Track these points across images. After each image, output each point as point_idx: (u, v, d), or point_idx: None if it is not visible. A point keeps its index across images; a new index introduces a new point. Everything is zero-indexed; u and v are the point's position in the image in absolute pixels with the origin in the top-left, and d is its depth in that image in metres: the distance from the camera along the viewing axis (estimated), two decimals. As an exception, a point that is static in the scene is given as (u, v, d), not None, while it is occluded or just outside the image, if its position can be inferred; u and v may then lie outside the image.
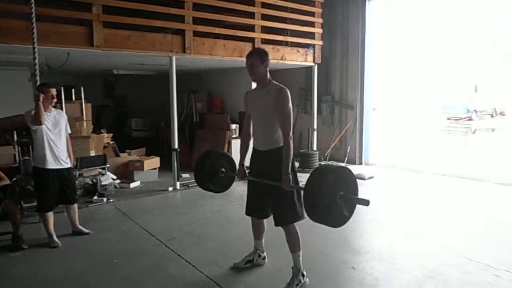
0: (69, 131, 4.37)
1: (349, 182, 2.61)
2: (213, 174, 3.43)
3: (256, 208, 3.26)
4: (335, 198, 2.49)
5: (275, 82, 3.07)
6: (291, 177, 2.90)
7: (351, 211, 2.61)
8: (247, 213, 3.34)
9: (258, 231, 3.42)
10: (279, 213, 3.07)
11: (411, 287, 3.14)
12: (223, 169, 3.45)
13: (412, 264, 3.57)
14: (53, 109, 4.20)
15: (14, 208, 4.05)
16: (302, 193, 2.57)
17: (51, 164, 4.05)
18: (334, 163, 8.64)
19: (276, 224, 3.10)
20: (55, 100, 4.13)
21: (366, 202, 2.49)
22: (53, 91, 4.08)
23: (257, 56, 3.02)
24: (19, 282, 3.33)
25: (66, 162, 4.20)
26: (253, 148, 3.23)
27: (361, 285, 3.19)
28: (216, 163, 3.46)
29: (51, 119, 4.10)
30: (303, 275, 3.10)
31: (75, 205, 4.42)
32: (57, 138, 4.10)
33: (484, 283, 3.19)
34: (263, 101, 3.02)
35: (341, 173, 2.60)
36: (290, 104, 2.98)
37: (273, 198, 3.06)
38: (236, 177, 3.45)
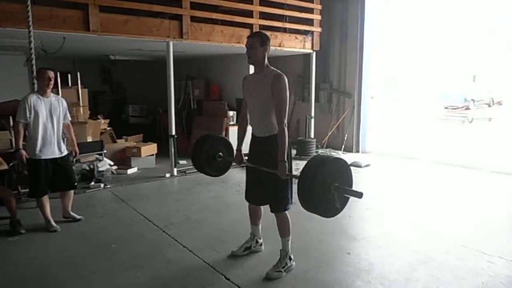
0: (69, 118, 4.33)
1: (344, 173, 2.62)
2: (211, 158, 3.44)
3: (252, 194, 3.29)
4: (329, 188, 2.50)
5: (272, 68, 3.04)
6: (287, 164, 2.90)
7: (343, 203, 2.63)
8: (246, 198, 3.37)
9: (255, 217, 3.44)
10: (274, 200, 3.10)
11: (404, 272, 3.18)
12: (221, 153, 3.46)
13: (406, 250, 3.62)
14: (52, 95, 4.15)
15: (7, 194, 4.04)
16: (296, 181, 2.58)
17: (43, 154, 4.00)
18: (332, 151, 8.67)
19: (272, 211, 3.14)
20: (52, 82, 4.04)
21: (359, 195, 2.51)
22: (50, 73, 4.01)
23: (258, 38, 2.97)
24: (18, 266, 3.35)
25: (60, 151, 4.14)
26: (252, 133, 3.23)
27: (356, 269, 3.23)
28: (213, 147, 3.46)
29: (48, 105, 4.03)
30: (290, 259, 3.16)
31: (71, 192, 4.40)
32: (50, 126, 4.03)
33: (477, 269, 3.24)
34: (260, 86, 3.00)
35: (336, 164, 2.61)
36: (287, 92, 2.96)
37: (268, 185, 3.08)
38: (233, 162, 3.45)
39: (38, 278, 3.15)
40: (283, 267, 3.11)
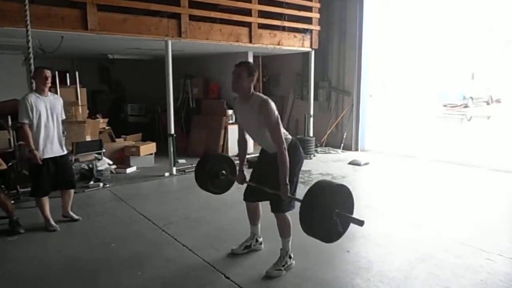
0: (63, 117, 4.31)
1: (346, 200, 2.62)
2: (214, 176, 3.46)
3: (252, 192, 3.28)
4: (331, 215, 2.50)
5: (256, 93, 3.04)
6: (289, 187, 2.91)
7: (345, 228, 2.63)
8: (244, 198, 3.38)
9: (254, 217, 3.45)
10: (276, 200, 3.07)
11: (404, 270, 3.19)
12: (224, 172, 3.48)
13: (405, 248, 3.62)
14: (49, 93, 4.14)
15: (3, 198, 4.00)
16: (299, 204, 2.59)
17: (46, 153, 4.00)
18: (331, 149, 8.67)
19: (272, 210, 3.14)
20: (49, 81, 4.03)
21: (360, 223, 2.53)
22: (47, 72, 3.99)
23: (246, 68, 2.99)
24: (18, 266, 3.35)
25: (61, 149, 4.16)
26: (262, 148, 3.28)
27: (355, 267, 3.24)
28: (216, 165, 3.50)
29: (47, 104, 4.03)
30: (290, 257, 3.17)
31: (71, 191, 4.41)
32: (51, 124, 4.05)
33: (476, 266, 3.24)
34: (250, 114, 3.02)
35: (339, 190, 2.62)
36: (276, 114, 2.94)
37: (272, 187, 3.06)
38: (235, 181, 3.46)
39: (37, 278, 3.14)
40: (283, 266, 3.11)
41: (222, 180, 3.50)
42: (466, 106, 16.61)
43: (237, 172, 3.45)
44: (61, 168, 4.17)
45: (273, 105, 2.95)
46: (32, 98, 3.94)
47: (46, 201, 4.15)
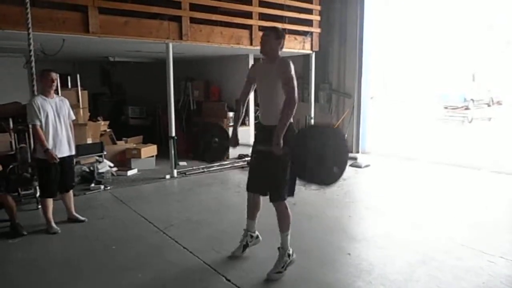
0: (73, 117, 4.37)
1: (336, 139, 2.62)
2: (206, 145, 3.46)
3: (252, 181, 3.28)
4: (326, 157, 2.49)
5: (283, 58, 3.08)
6: (281, 137, 2.87)
7: (341, 168, 2.63)
8: (247, 187, 3.36)
9: (253, 209, 3.41)
10: (274, 187, 3.07)
11: (405, 272, 3.19)
12: (216, 139, 3.47)
13: (406, 250, 3.62)
14: (55, 95, 4.19)
15: (10, 202, 4.00)
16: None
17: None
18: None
19: (271, 200, 3.12)
20: (55, 83, 4.10)
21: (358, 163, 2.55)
22: (53, 75, 4.07)
23: (274, 32, 3.10)
24: (20, 268, 3.36)
25: (68, 150, 4.20)
26: (258, 122, 3.28)
27: (356, 270, 3.23)
28: (208, 133, 3.48)
29: (54, 106, 4.09)
30: (289, 256, 3.15)
31: (71, 192, 4.43)
32: (59, 126, 4.10)
33: (477, 269, 3.24)
34: (271, 75, 3.04)
35: (326, 131, 2.62)
36: (293, 73, 2.97)
37: (269, 171, 3.05)
38: (229, 144, 3.45)
39: (39, 280, 3.15)
40: (283, 267, 3.10)
41: (216, 148, 3.53)
42: (467, 108, 16.61)
43: (230, 135, 3.44)
44: (66, 170, 4.20)
45: (292, 64, 3.01)
46: (39, 100, 4.00)
47: (50, 203, 4.17)
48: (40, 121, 3.96)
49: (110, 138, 7.45)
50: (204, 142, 3.46)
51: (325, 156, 2.52)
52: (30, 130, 4.83)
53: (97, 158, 6.30)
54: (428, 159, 7.77)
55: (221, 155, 3.59)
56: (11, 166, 4.98)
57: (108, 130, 7.58)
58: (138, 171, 6.88)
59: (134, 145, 7.49)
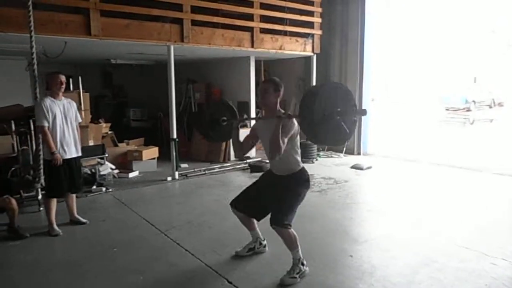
0: (80, 120, 4.40)
1: (345, 96, 2.60)
2: (215, 123, 3.42)
3: (249, 205, 3.28)
4: (332, 115, 2.47)
5: (283, 111, 3.06)
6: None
7: (351, 127, 2.61)
8: (237, 207, 3.32)
9: (248, 224, 3.43)
10: (276, 211, 3.03)
11: (407, 274, 3.18)
12: (224, 118, 3.44)
13: (408, 252, 3.61)
14: (63, 97, 4.21)
15: (13, 205, 3.98)
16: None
17: (61, 155, 4.07)
18: (333, 153, 8.67)
19: (272, 223, 3.00)
20: (63, 86, 4.14)
21: (363, 112, 2.51)
22: (62, 77, 4.11)
23: (272, 84, 3.05)
24: (22, 270, 3.36)
25: (75, 151, 4.23)
26: (269, 169, 3.28)
27: (358, 272, 3.23)
28: (217, 111, 3.45)
29: (61, 108, 4.12)
30: (303, 264, 3.13)
31: (74, 195, 4.44)
32: (66, 128, 4.13)
33: (480, 271, 3.23)
34: (271, 128, 2.92)
35: (333, 89, 2.60)
36: (295, 128, 2.93)
37: (276, 198, 3.06)
38: (236, 123, 3.36)
39: (41, 282, 3.15)
40: (297, 273, 3.07)
41: (223, 126, 3.45)
42: (468, 110, 16.59)
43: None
44: (73, 171, 4.23)
45: (296, 123, 2.96)
46: (48, 101, 4.03)
47: (54, 204, 4.19)
48: (48, 122, 4.00)
49: (111, 140, 7.46)
50: (212, 121, 3.40)
51: (334, 115, 2.48)
52: (33, 131, 4.84)
53: (99, 160, 6.31)
54: (430, 161, 7.76)
55: (229, 135, 3.48)
56: (13, 168, 4.99)
57: (109, 132, 7.59)
58: (140, 173, 6.89)
59: (136, 147, 7.50)
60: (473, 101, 16.99)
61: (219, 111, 3.47)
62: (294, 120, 2.95)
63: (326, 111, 2.49)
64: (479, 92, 17.48)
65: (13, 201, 3.97)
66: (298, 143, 3.13)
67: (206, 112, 3.43)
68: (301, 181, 3.10)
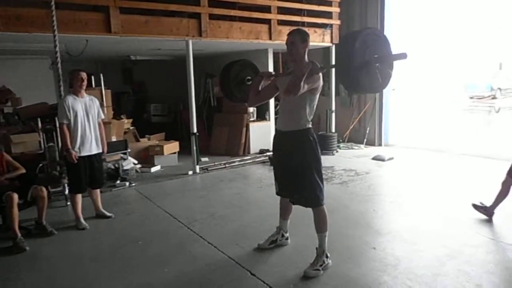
0: (102, 117, 4.49)
1: (380, 42, 2.51)
2: (239, 83, 3.40)
3: (285, 189, 3.25)
4: (368, 61, 2.39)
5: (312, 61, 2.98)
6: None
7: (385, 80, 2.52)
8: (277, 193, 3.35)
9: (285, 211, 3.46)
10: (309, 194, 3.06)
11: (432, 266, 3.13)
12: (249, 77, 3.42)
13: (433, 244, 3.55)
14: (85, 94, 4.32)
15: (44, 193, 4.06)
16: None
17: (82, 151, 4.19)
18: (353, 145, 8.58)
19: (309, 206, 3.10)
20: (85, 83, 4.24)
21: (403, 55, 2.42)
22: (83, 75, 4.20)
23: (298, 35, 2.95)
24: (50, 262, 3.48)
25: (96, 148, 4.32)
26: (276, 129, 3.24)
27: (382, 264, 3.20)
28: (241, 71, 3.43)
29: (83, 105, 4.22)
30: (327, 256, 3.13)
31: (98, 190, 4.55)
32: (87, 125, 4.23)
33: (507, 263, 3.16)
34: None
35: (370, 34, 2.50)
36: (319, 84, 2.93)
37: (301, 178, 3.04)
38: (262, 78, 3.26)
39: (69, 274, 3.25)
40: (321, 265, 3.07)
41: (247, 86, 3.42)
42: (494, 98, 16.07)
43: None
44: (95, 166, 4.34)
45: (321, 80, 2.96)
46: (70, 99, 4.15)
47: (79, 199, 4.31)
48: (69, 120, 4.10)
49: (133, 135, 7.59)
50: (235, 80, 3.38)
51: (373, 61, 2.39)
52: (58, 128, 4.97)
53: (122, 155, 6.44)
54: (454, 150, 7.57)
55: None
56: (40, 165, 5.15)
57: (131, 128, 7.72)
58: (161, 167, 7.00)
59: (157, 142, 7.61)
60: (499, 89, 16.44)
61: (243, 70, 3.43)
62: (321, 76, 2.92)
63: (366, 56, 2.39)
64: (505, 79, 16.89)
65: (44, 189, 4.06)
66: (315, 102, 3.05)
67: (230, 72, 3.38)
68: (308, 142, 3.00)
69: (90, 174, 4.30)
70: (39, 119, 5.57)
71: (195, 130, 6.58)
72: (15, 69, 7.78)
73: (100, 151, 4.40)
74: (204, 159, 7.30)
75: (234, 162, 7.22)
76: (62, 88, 4.67)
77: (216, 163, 7.05)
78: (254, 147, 8.10)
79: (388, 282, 2.92)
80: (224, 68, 3.48)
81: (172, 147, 7.38)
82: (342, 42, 2.46)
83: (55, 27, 4.56)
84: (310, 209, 3.14)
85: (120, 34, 5.45)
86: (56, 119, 5.23)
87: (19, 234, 3.74)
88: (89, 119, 4.24)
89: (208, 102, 9.32)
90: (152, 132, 8.15)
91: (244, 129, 8.08)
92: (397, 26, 8.33)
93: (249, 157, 7.60)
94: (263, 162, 7.29)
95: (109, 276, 3.19)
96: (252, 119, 8.19)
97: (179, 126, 9.77)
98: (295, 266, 3.17)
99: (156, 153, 7.14)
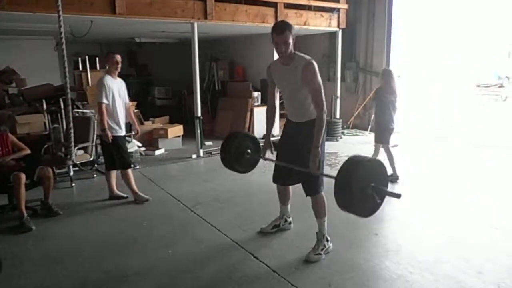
0: (127, 101, 4.51)
1: (380, 174, 2.56)
2: (239, 156, 3.48)
3: (282, 176, 3.27)
4: (366, 189, 2.45)
5: (298, 53, 2.92)
6: (320, 150, 2.86)
7: (382, 199, 2.57)
8: (274, 181, 3.37)
9: (284, 197, 3.47)
10: (310, 184, 3.07)
11: (433, 253, 3.15)
12: (249, 150, 3.49)
13: (436, 231, 3.57)
14: (118, 78, 4.35)
15: (49, 173, 4.09)
16: (333, 182, 2.53)
17: (116, 132, 4.26)
18: (358, 131, 8.55)
19: (307, 194, 3.11)
20: (119, 65, 4.28)
21: (397, 196, 2.46)
22: (118, 57, 4.25)
23: (289, 32, 2.78)
24: (57, 242, 3.53)
25: (123, 129, 4.39)
26: (287, 118, 3.22)
27: (384, 250, 3.23)
28: (241, 144, 3.50)
29: (117, 86, 4.28)
30: (327, 240, 3.16)
31: (129, 170, 4.58)
32: (119, 106, 4.30)
33: (509, 251, 3.17)
34: (292, 77, 2.91)
35: (372, 165, 2.56)
36: (319, 77, 2.88)
37: (302, 171, 3.02)
38: (262, 153, 3.38)
39: (75, 254, 3.30)
40: (322, 250, 3.10)
41: (247, 159, 3.50)
42: (501, 86, 15.89)
43: (262, 147, 3.38)
44: (121, 148, 4.38)
45: (316, 67, 2.87)
46: (108, 80, 4.21)
47: (113, 176, 4.49)
48: (108, 100, 4.17)
49: (137, 118, 7.58)
50: (236, 153, 3.48)
51: (369, 189, 2.47)
52: (63, 109, 4.99)
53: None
54: (459, 139, 7.54)
55: (252, 167, 3.59)
56: (45, 146, 5.18)
57: (135, 110, 7.71)
58: (165, 150, 7.02)
59: (161, 125, 7.62)
60: (507, 77, 16.25)
61: (243, 143, 3.51)
62: (316, 66, 2.85)
63: (363, 186, 2.44)
64: (513, 67, 16.68)
65: (50, 170, 4.09)
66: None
67: (231, 145, 3.48)
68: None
69: (116, 155, 4.35)
70: (43, 100, 5.58)
71: (199, 114, 6.57)
72: (19, 50, 7.76)
73: (124, 133, 4.46)
74: (208, 143, 7.31)
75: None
76: (67, 70, 4.64)
77: (220, 147, 7.05)
78: (258, 131, 8.08)
79: (389, 268, 2.95)
80: (223, 145, 3.54)
81: (176, 130, 7.39)
82: (347, 165, 2.48)
83: (60, 7, 4.50)
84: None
85: (124, 16, 5.40)
86: (61, 100, 5.26)
87: (25, 214, 3.79)
88: (120, 101, 4.32)
89: (213, 86, 9.28)
90: (156, 115, 8.15)
91: (248, 113, 8.07)
92: (405, 11, 8.20)
93: (253, 142, 7.59)
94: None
95: (113, 258, 3.23)
96: (256, 103, 8.15)
97: (183, 109, 9.75)
98: (298, 250, 3.20)
99: (160, 136, 7.15)
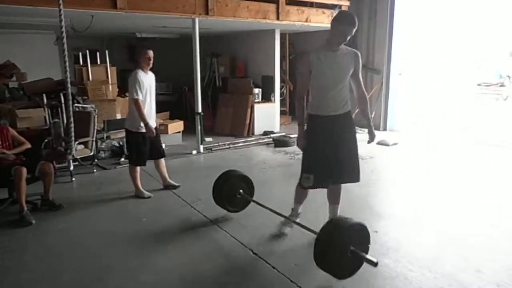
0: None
1: (362, 238, 2.60)
2: (231, 196, 3.61)
3: (327, 175, 3.20)
4: (345, 252, 2.49)
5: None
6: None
7: (358, 266, 2.58)
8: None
9: (302, 196, 3.50)
10: (354, 171, 3.23)
11: (433, 251, 3.16)
12: (241, 191, 3.60)
13: (435, 229, 3.58)
14: (149, 72, 4.39)
15: (50, 169, 4.08)
16: None
17: (142, 128, 4.26)
18: (358, 129, 8.52)
19: (355, 181, 3.28)
20: (151, 61, 4.33)
21: (373, 264, 2.47)
22: (150, 53, 4.31)
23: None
24: (57, 236, 3.53)
25: (153, 123, 4.43)
26: (319, 116, 3.14)
27: (383, 247, 3.22)
28: (234, 184, 3.64)
29: (149, 81, 4.32)
30: None
31: (163, 160, 4.69)
32: (151, 99, 4.36)
33: (509, 250, 3.17)
34: (342, 62, 3.05)
35: (355, 229, 2.59)
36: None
37: (348, 158, 3.19)
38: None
39: (73, 247, 3.31)
40: None
41: (239, 199, 3.67)
42: (502, 85, 15.87)
43: (296, 138, 3.39)
44: (157, 139, 4.49)
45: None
46: (142, 75, 4.24)
47: (139, 172, 4.48)
48: (142, 96, 4.19)
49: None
50: (228, 193, 3.60)
51: (347, 252, 2.50)
52: (63, 104, 4.97)
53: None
54: (460, 137, 7.53)
55: (244, 207, 3.68)
56: (46, 140, 5.17)
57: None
58: (166, 146, 6.97)
59: (161, 120, 7.60)
60: (508, 76, 16.22)
61: (236, 183, 3.66)
62: (358, 54, 3.15)
63: (342, 248, 2.49)
64: (515, 66, 16.63)
65: (51, 166, 4.08)
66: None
67: (223, 185, 3.64)
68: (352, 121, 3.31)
69: (152, 147, 4.41)
70: (44, 95, 5.57)
71: (200, 110, 6.56)
72: (20, 44, 7.73)
73: (156, 126, 4.51)
74: (208, 139, 7.31)
75: (238, 143, 7.23)
76: (67, 64, 4.63)
77: (220, 144, 7.06)
78: (259, 128, 8.09)
79: (389, 265, 2.95)
80: (215, 184, 3.67)
81: (177, 126, 7.38)
82: (327, 230, 2.56)
83: (61, 1, 4.49)
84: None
85: (125, 10, 5.38)
86: (62, 95, 5.25)
87: (25, 208, 3.79)
88: (151, 95, 4.36)
89: (213, 82, 9.26)
90: (157, 111, 8.09)
91: (249, 110, 8.06)
92: (407, 8, 8.17)
93: (253, 139, 7.60)
94: (267, 143, 7.29)
95: (112, 251, 3.24)
96: (257, 100, 8.14)
97: (183, 105, 9.74)
98: (300, 248, 3.20)
99: (160, 132, 7.10)
